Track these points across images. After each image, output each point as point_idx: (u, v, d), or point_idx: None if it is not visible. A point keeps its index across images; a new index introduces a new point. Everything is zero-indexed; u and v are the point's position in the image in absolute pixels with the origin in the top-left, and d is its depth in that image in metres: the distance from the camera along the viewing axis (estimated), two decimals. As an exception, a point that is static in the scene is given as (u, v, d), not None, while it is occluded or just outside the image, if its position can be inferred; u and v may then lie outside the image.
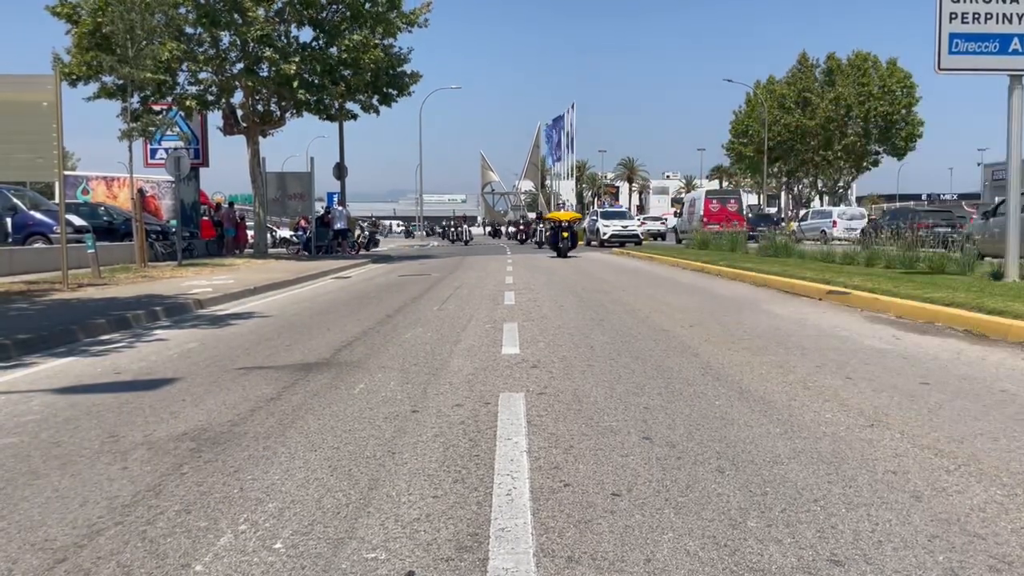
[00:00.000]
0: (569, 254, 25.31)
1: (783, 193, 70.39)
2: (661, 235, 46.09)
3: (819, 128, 57.78)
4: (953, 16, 10.76)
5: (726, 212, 34.22)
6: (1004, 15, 10.69)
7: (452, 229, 49.09)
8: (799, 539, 2.58)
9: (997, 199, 18.46)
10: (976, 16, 10.73)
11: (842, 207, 45.04)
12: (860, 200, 77.95)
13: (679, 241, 37.41)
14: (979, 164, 56.21)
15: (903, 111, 57.48)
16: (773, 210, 61.98)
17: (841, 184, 63.50)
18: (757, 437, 3.78)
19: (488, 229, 68.74)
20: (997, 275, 10.99)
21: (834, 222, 34.74)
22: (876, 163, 61.33)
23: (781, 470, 3.29)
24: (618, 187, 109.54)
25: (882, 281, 10.80)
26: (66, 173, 19.96)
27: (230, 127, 24.82)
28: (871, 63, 58.22)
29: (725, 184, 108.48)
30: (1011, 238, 10.75)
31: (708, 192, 38.52)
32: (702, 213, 34.92)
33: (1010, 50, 10.71)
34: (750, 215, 40.31)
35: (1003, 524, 2.70)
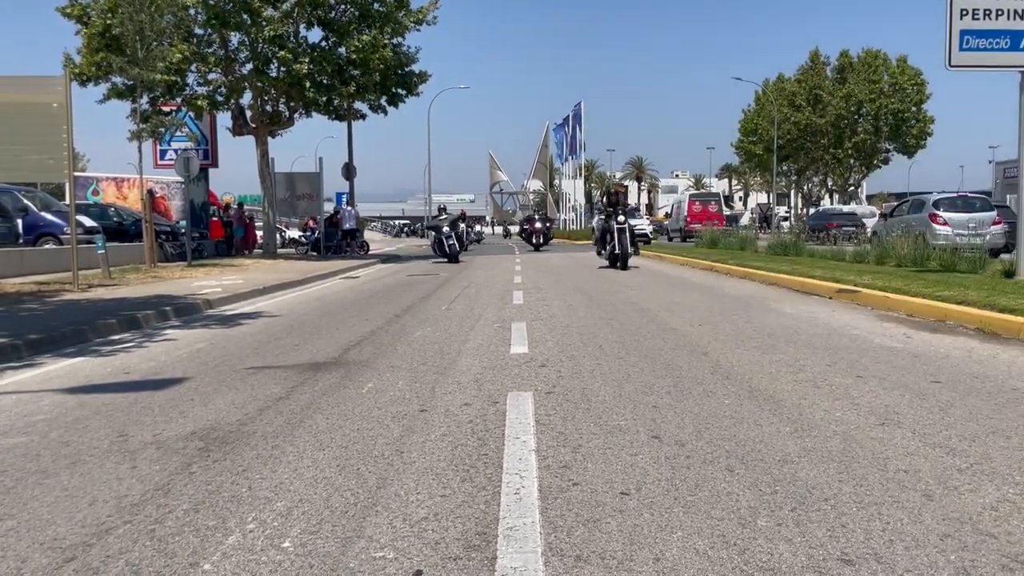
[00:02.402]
0: None
1: (793, 192, 70.12)
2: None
3: (829, 126, 57.50)
4: (964, 12, 10.70)
5: (707, 213, 37.85)
6: (1015, 11, 10.62)
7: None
8: (809, 538, 2.56)
9: (894, 203, 25.20)
10: (987, 12, 10.66)
11: (852, 205, 46.08)
12: (870, 199, 77.54)
13: (670, 239, 40.62)
14: (990, 162, 55.87)
15: (913, 108, 57.15)
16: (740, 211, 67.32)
17: (851, 182, 63.19)
18: (767, 436, 3.76)
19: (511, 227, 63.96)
20: (1009, 273, 10.92)
21: None
22: (886, 161, 60.99)
23: (791, 469, 3.27)
24: (627, 186, 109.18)
25: (892, 279, 10.74)
26: (76, 174, 20.02)
27: (239, 128, 24.90)
28: (881, 61, 57.90)
29: (735, 183, 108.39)
30: (1022, 236, 10.68)
31: (692, 195, 43.18)
32: (686, 213, 38.64)
33: (1021, 47, 10.63)
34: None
35: (1015, 523, 2.67)
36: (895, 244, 14.69)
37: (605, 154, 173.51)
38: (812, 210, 42.61)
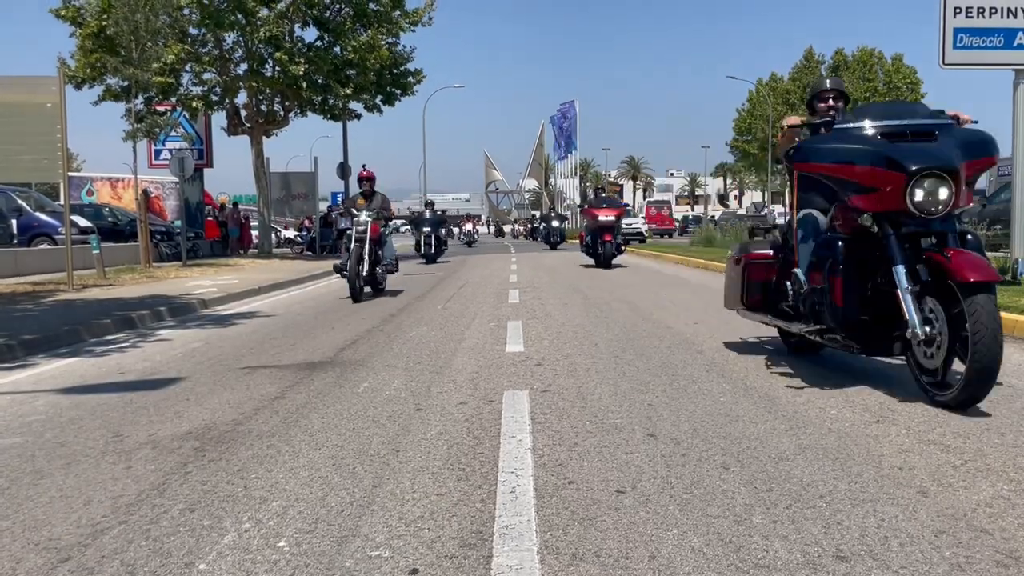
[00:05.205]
0: None
1: (788, 190, 70.31)
2: None
3: (823, 124, 57.56)
4: (957, 11, 10.71)
5: (660, 216, 49.81)
6: (1009, 9, 10.63)
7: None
8: (804, 535, 2.57)
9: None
10: (981, 11, 10.68)
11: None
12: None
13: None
14: (984, 160, 55.93)
15: (908, 107, 57.27)
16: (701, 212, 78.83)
17: (846, 180, 63.34)
18: (762, 433, 3.77)
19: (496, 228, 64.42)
20: (1003, 271, 10.94)
21: None
22: (881, 159, 61.13)
23: (786, 466, 3.27)
24: (622, 185, 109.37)
25: (887, 277, 10.73)
26: (71, 174, 20.00)
27: (234, 127, 24.83)
28: (876, 59, 58.05)
29: (729, 182, 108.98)
30: (1016, 233, 10.70)
31: (649, 201, 55.65)
32: (643, 215, 48.47)
33: (1015, 44, 10.65)
34: (679, 217, 60.45)
35: (1010, 519, 2.68)
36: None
37: (600, 153, 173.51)
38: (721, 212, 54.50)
